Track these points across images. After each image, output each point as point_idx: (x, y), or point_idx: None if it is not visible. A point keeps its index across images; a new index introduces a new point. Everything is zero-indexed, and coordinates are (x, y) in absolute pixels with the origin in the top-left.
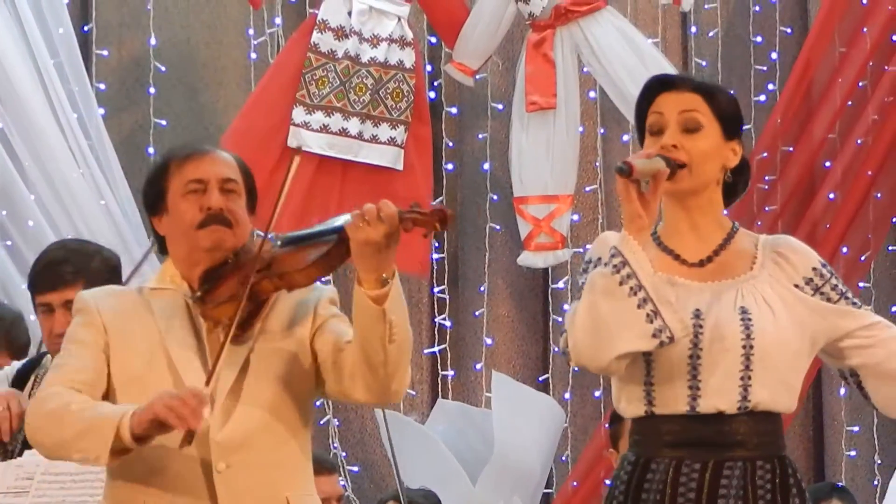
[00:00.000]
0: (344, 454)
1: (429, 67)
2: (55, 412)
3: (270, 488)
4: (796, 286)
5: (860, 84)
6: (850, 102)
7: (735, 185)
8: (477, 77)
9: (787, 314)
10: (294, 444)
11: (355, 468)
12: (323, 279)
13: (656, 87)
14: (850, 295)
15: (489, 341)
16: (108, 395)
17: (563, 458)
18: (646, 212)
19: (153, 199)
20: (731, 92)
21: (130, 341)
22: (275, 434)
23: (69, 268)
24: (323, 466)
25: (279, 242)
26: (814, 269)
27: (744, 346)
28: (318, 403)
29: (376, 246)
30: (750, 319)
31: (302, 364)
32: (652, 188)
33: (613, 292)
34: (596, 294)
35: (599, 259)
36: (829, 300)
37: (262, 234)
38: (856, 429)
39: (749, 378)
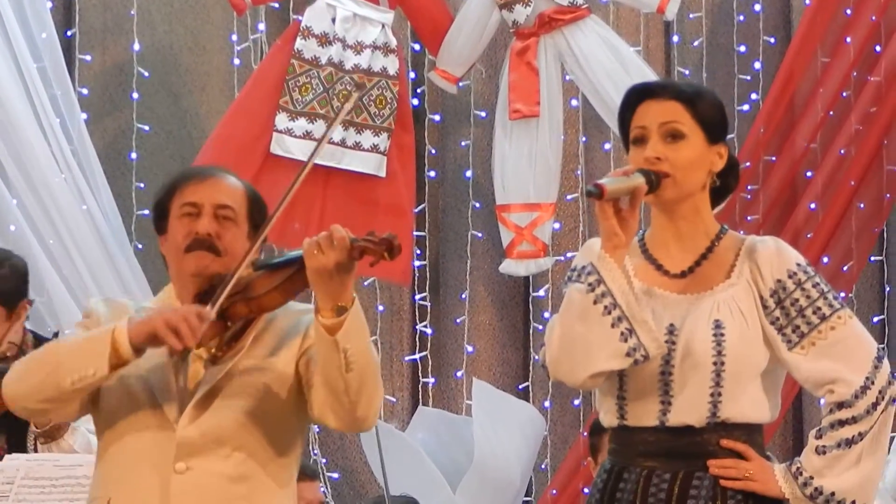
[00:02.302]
0: (324, 461)
1: (412, 74)
2: (38, 353)
3: (227, 500)
4: (762, 298)
5: (843, 94)
6: (832, 112)
7: (725, 185)
8: (460, 84)
9: (758, 327)
10: (264, 468)
11: (335, 475)
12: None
13: (637, 95)
14: (808, 312)
15: (470, 349)
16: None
17: (543, 467)
18: (623, 229)
19: (157, 217)
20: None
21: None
22: (242, 449)
23: None
24: (304, 473)
25: (254, 267)
26: (777, 280)
27: (714, 363)
28: None
29: (328, 273)
30: (723, 334)
31: (282, 385)
32: (630, 205)
33: (588, 311)
34: (571, 313)
35: (584, 268)
36: (787, 315)
37: (249, 252)
38: None
39: (719, 395)
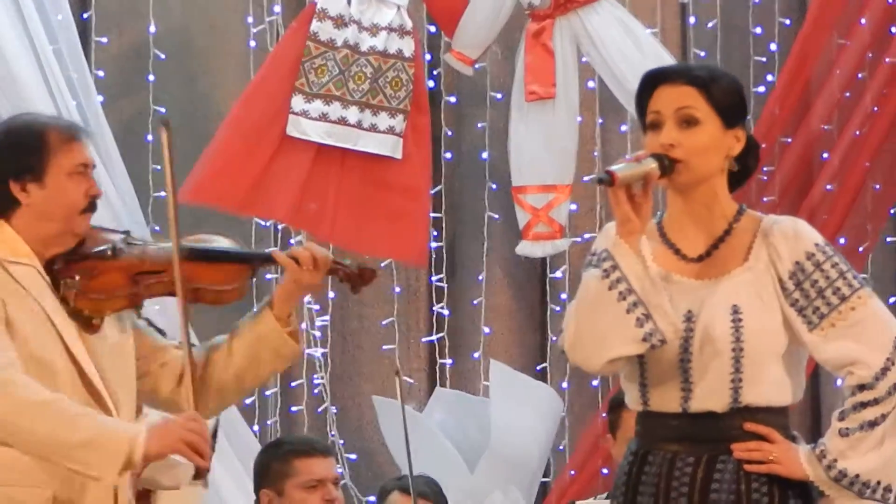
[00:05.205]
0: (342, 442)
1: (428, 56)
2: (49, 406)
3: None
4: (781, 280)
5: (858, 75)
6: (847, 93)
7: (745, 168)
8: (476, 66)
9: (777, 310)
10: None
11: (353, 456)
12: None
13: (653, 80)
14: (827, 293)
15: (487, 330)
16: None
17: (561, 448)
18: (637, 214)
19: (26, 163)
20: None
21: (19, 315)
22: None
23: None
24: (316, 449)
25: (186, 252)
26: (796, 262)
27: (733, 349)
28: (315, 392)
29: (312, 290)
30: (741, 320)
31: (131, 359)
32: (643, 190)
33: (603, 297)
34: (587, 299)
35: (605, 251)
36: (806, 297)
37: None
38: None
39: (740, 381)
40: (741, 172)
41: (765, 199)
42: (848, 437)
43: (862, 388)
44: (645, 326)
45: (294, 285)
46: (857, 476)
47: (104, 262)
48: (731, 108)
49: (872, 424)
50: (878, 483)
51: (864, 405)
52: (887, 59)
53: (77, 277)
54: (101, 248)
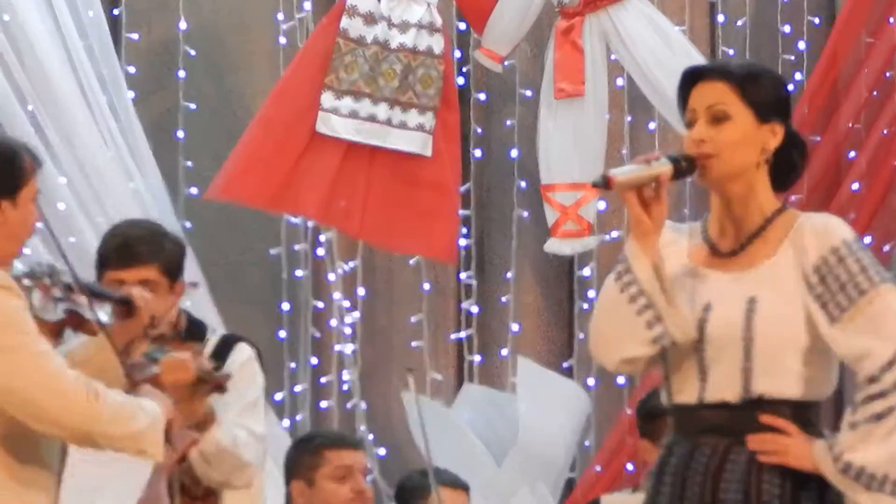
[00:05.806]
0: (371, 437)
1: (457, 53)
2: (126, 406)
3: None
4: (805, 275)
5: (886, 74)
6: (875, 92)
7: (790, 161)
8: (505, 63)
9: (799, 304)
10: None
11: (382, 452)
12: None
13: (690, 78)
14: (848, 287)
15: (515, 327)
16: None
17: (587, 444)
18: (649, 215)
19: (7, 182)
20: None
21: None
22: None
23: (145, 247)
24: (347, 441)
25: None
26: (821, 256)
27: (743, 339)
28: (345, 388)
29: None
30: (754, 310)
31: None
32: (655, 192)
33: (616, 299)
34: (604, 300)
35: (622, 253)
36: (829, 291)
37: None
38: None
39: (750, 370)
40: (789, 169)
41: (793, 197)
42: (856, 430)
43: (871, 380)
44: (655, 329)
45: (138, 323)
46: (863, 468)
47: (39, 282)
48: (767, 103)
49: (879, 417)
50: (886, 476)
51: (871, 398)
52: None
53: (32, 298)
54: (25, 269)
